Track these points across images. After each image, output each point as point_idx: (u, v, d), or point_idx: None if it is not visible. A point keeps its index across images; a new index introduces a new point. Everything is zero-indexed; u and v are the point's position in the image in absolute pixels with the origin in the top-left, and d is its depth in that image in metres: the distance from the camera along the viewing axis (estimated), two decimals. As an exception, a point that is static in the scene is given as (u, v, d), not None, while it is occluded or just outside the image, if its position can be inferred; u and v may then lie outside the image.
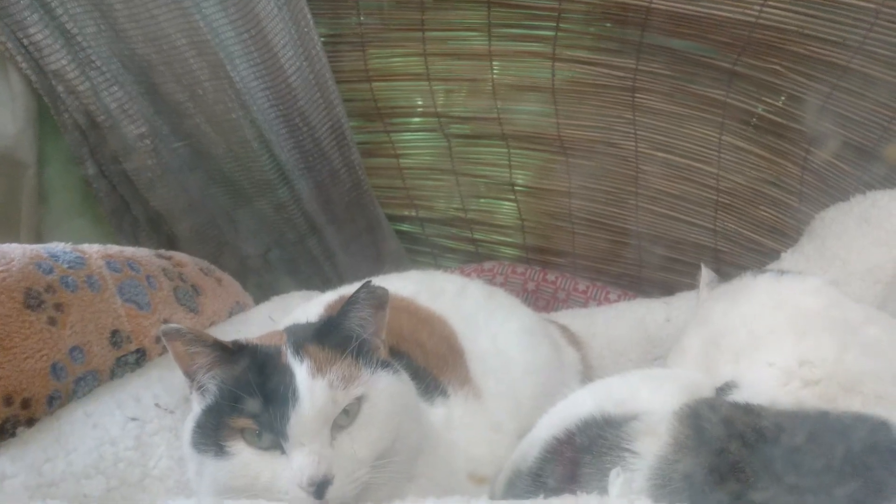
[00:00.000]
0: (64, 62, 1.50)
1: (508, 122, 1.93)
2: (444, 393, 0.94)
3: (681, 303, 1.54)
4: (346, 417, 0.76)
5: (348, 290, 0.96)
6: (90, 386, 1.03)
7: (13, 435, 0.91)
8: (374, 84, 1.95)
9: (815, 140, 1.60)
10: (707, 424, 0.75)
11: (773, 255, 1.63)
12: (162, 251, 1.37)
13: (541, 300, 1.96)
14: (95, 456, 0.89)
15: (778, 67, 1.56)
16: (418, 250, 2.25)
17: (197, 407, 0.79)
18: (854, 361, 0.83)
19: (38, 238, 1.58)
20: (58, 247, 1.10)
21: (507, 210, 2.11)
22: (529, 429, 0.90)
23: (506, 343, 1.09)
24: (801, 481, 0.70)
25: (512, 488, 0.85)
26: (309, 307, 1.09)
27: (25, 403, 0.93)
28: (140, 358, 1.12)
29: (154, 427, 0.96)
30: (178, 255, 1.39)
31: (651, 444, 0.74)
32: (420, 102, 1.99)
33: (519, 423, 0.96)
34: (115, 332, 1.09)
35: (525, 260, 2.12)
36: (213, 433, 0.75)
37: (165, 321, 1.16)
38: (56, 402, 0.97)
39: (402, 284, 1.09)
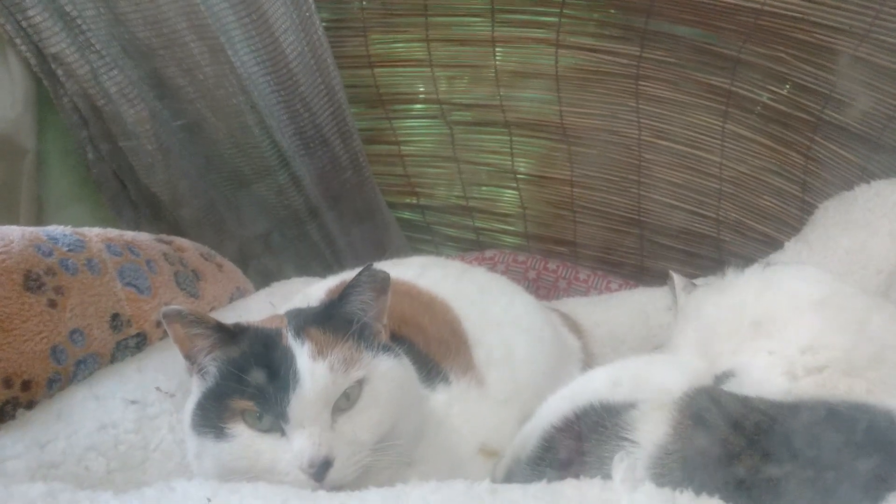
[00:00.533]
0: (63, 45, 1.49)
1: (511, 110, 1.92)
2: (445, 379, 0.94)
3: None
4: (346, 401, 0.76)
5: (349, 275, 0.95)
6: (90, 369, 1.03)
7: (13, 417, 0.91)
8: (376, 70, 1.94)
9: (820, 129, 1.59)
10: (707, 415, 0.74)
11: (776, 244, 1.62)
12: (162, 236, 1.36)
13: (542, 289, 1.96)
14: (96, 438, 0.89)
15: (783, 55, 1.55)
16: (419, 238, 2.24)
17: (197, 389, 0.79)
18: (857, 348, 0.83)
19: (38, 223, 1.57)
20: (57, 230, 1.09)
21: (508, 198, 2.11)
22: (530, 416, 0.90)
23: (508, 329, 1.08)
24: (803, 472, 0.70)
25: (511, 476, 0.85)
26: (310, 292, 1.09)
27: (25, 385, 0.93)
28: (140, 342, 1.12)
29: (154, 410, 0.96)
30: (179, 240, 1.38)
31: (650, 434, 0.74)
32: (422, 89, 1.98)
33: (521, 411, 0.96)
34: (115, 316, 1.09)
35: (526, 248, 2.12)
36: (213, 415, 0.75)
37: (166, 305, 1.16)
38: (56, 384, 0.97)
39: (404, 269, 1.09)
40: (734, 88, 1.65)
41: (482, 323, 1.06)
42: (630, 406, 0.77)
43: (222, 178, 1.84)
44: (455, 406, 0.92)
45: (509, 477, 0.85)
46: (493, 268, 1.94)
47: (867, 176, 1.51)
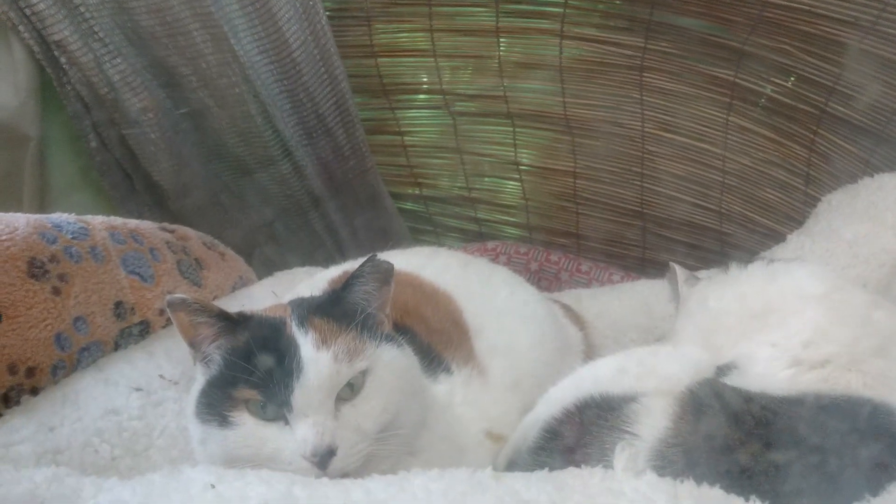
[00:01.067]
0: (66, 33, 1.49)
1: (514, 101, 1.92)
2: (448, 369, 0.94)
3: (684, 284, 1.53)
4: (350, 391, 0.76)
5: (353, 265, 0.96)
6: (94, 356, 1.03)
7: (18, 403, 0.91)
8: (380, 60, 1.94)
9: (824, 122, 1.58)
10: (709, 407, 0.75)
11: (779, 237, 1.62)
12: (165, 224, 1.37)
13: (543, 280, 1.96)
14: (100, 425, 0.90)
15: (788, 47, 1.55)
16: (421, 229, 2.24)
17: (201, 377, 0.79)
18: (859, 341, 0.83)
19: (41, 210, 1.57)
20: (62, 217, 1.10)
21: (511, 189, 2.10)
22: (532, 406, 0.90)
23: (510, 321, 1.09)
24: (803, 463, 0.70)
25: (513, 466, 0.85)
26: (313, 282, 1.09)
27: (30, 372, 0.94)
28: (144, 330, 1.13)
29: (158, 398, 0.96)
30: (182, 229, 1.38)
31: (651, 426, 0.74)
32: (425, 79, 1.97)
33: (522, 401, 0.96)
34: (118, 304, 1.09)
35: (529, 239, 2.12)
36: (217, 404, 0.75)
37: (169, 293, 1.16)
38: (60, 371, 0.98)
39: (407, 260, 1.09)
40: (738, 80, 1.65)
41: (484, 314, 1.06)
42: (631, 399, 0.78)
43: (225, 166, 1.84)
44: (457, 395, 0.93)
45: (511, 467, 0.86)
46: (495, 259, 1.94)
47: (871, 169, 1.51)
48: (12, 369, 0.92)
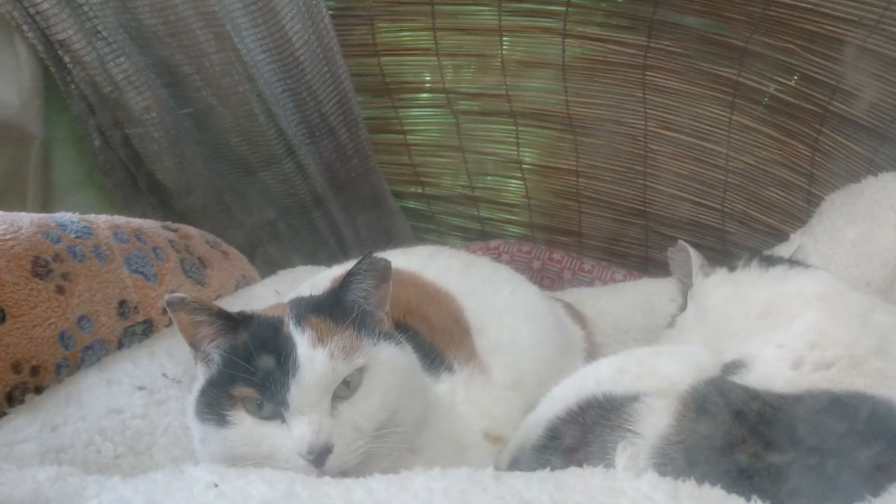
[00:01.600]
0: (70, 32, 1.49)
1: (517, 99, 1.92)
2: (449, 368, 0.94)
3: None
4: (347, 388, 0.76)
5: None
6: (98, 355, 1.04)
7: (22, 401, 0.92)
8: (383, 59, 1.94)
9: (827, 121, 1.58)
10: (712, 408, 0.75)
11: (782, 236, 1.62)
12: (168, 223, 1.37)
13: (546, 279, 1.96)
14: (103, 423, 0.90)
15: (791, 46, 1.54)
16: (424, 227, 2.24)
17: (201, 377, 0.79)
18: (860, 341, 0.83)
19: (45, 209, 1.58)
20: (66, 216, 1.10)
21: (514, 188, 2.10)
22: (534, 406, 0.90)
23: (512, 320, 1.09)
24: (804, 462, 0.70)
25: (516, 465, 0.86)
26: (316, 281, 1.09)
27: (34, 371, 0.94)
28: (147, 329, 1.13)
29: (161, 396, 0.97)
30: (185, 228, 1.39)
31: (653, 425, 0.74)
32: (428, 78, 1.97)
33: (524, 399, 0.96)
34: (122, 303, 1.10)
35: (531, 238, 2.12)
36: (215, 403, 0.75)
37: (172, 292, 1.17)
38: (64, 370, 0.98)
39: (409, 259, 1.09)
40: (741, 79, 1.64)
41: (486, 313, 1.06)
42: (633, 398, 0.78)
43: (228, 166, 1.84)
44: (459, 394, 0.93)
45: (514, 465, 0.86)
46: (497, 258, 1.94)
47: (874, 168, 1.50)
48: (16, 368, 0.92)
